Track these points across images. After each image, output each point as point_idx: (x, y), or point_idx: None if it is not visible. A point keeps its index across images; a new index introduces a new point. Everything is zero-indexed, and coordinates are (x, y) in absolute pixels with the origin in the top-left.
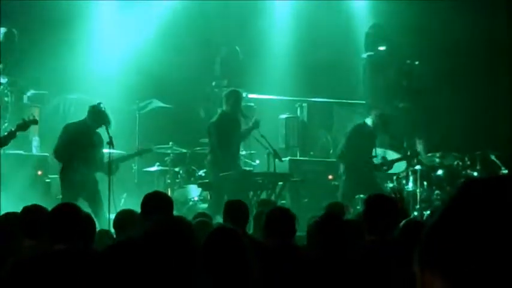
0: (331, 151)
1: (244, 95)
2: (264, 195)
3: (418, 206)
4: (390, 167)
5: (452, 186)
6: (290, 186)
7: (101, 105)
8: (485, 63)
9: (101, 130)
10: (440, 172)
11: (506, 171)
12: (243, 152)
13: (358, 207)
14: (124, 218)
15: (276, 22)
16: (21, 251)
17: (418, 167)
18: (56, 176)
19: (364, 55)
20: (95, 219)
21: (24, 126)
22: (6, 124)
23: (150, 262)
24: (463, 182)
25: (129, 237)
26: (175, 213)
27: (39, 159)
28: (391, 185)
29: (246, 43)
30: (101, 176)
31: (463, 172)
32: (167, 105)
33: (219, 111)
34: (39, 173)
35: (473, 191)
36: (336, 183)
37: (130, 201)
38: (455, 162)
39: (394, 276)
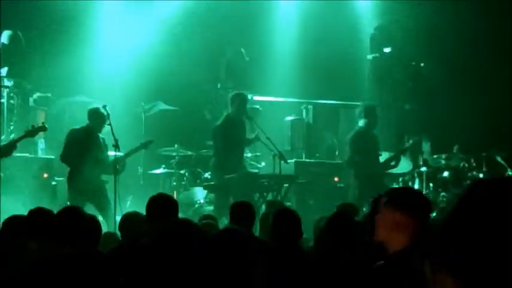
0: (336, 153)
1: (249, 97)
2: (269, 197)
3: None
4: (397, 161)
5: (458, 188)
6: (296, 188)
7: (100, 107)
8: (492, 64)
9: (107, 133)
10: (446, 174)
11: None
12: (249, 154)
13: (364, 209)
14: (130, 220)
15: (281, 24)
16: (27, 253)
17: (423, 168)
18: (62, 178)
19: (370, 57)
20: (103, 222)
21: (32, 132)
22: (12, 127)
23: (157, 264)
24: (470, 183)
25: (135, 239)
26: (180, 215)
27: (45, 161)
28: (396, 186)
29: (252, 45)
30: (106, 179)
31: (469, 174)
32: (172, 108)
33: (224, 113)
34: (45, 175)
35: (480, 193)
36: (342, 185)
37: (136, 203)
38: (461, 164)
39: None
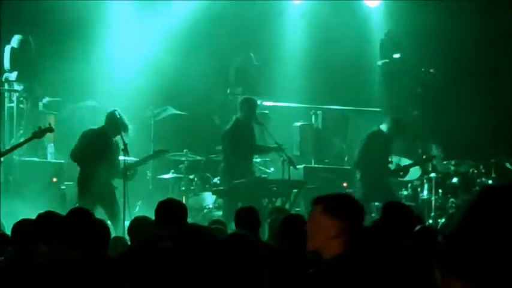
0: (345, 159)
1: (258, 102)
2: (278, 203)
3: (433, 214)
4: (406, 173)
5: (467, 194)
6: (304, 194)
7: (116, 112)
8: (501, 70)
9: (117, 137)
10: (455, 180)
11: None
12: (258, 160)
13: (372, 214)
14: (138, 225)
15: (290, 29)
16: (36, 257)
17: (433, 174)
18: (71, 182)
19: (379, 62)
20: (112, 226)
21: (40, 133)
22: (21, 131)
23: (165, 269)
24: (481, 189)
25: (144, 244)
26: (189, 220)
27: (54, 166)
28: (405, 192)
29: (261, 50)
30: (116, 184)
31: (478, 180)
32: (182, 113)
33: (234, 118)
34: (54, 180)
35: (491, 199)
36: (351, 190)
37: (145, 208)
38: (471, 170)
39: (405, 281)
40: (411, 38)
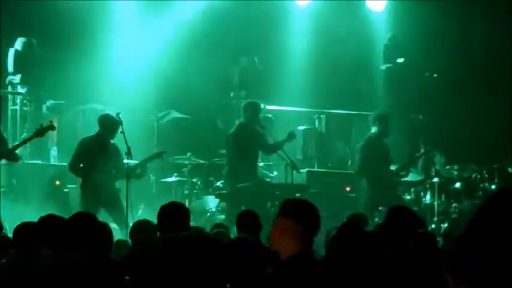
0: (349, 163)
1: (262, 106)
2: None
3: (435, 219)
4: (407, 171)
5: (470, 199)
6: (308, 198)
7: (107, 113)
8: (506, 76)
9: (120, 140)
10: (458, 185)
11: None
12: (261, 163)
13: (376, 219)
14: (140, 228)
15: (294, 33)
16: (38, 260)
17: (435, 179)
18: (74, 185)
19: (383, 67)
20: (116, 229)
21: (41, 132)
22: (24, 134)
23: (168, 273)
24: (490, 193)
25: (147, 247)
26: (192, 224)
27: (57, 169)
28: (408, 197)
29: (265, 54)
30: (119, 187)
31: (481, 185)
32: (185, 116)
33: (237, 122)
34: (57, 182)
35: (500, 203)
36: (354, 194)
37: (148, 211)
38: (474, 175)
39: (407, 284)
40: (415, 42)
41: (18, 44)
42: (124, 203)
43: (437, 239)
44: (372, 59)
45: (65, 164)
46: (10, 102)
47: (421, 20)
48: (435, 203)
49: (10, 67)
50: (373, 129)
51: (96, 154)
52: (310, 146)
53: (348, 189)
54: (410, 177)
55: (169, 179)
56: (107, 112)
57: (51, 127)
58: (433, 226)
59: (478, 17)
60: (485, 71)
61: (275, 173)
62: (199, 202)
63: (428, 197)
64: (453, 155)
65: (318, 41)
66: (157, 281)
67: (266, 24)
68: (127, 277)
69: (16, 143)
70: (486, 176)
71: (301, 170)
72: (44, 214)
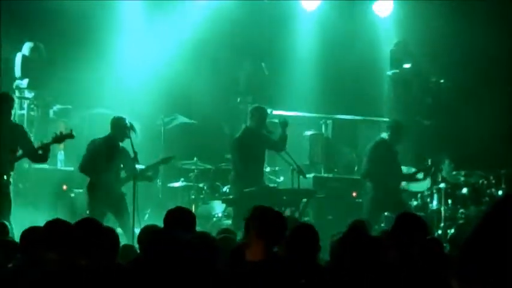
0: (355, 168)
1: (269, 111)
2: (288, 212)
3: (442, 224)
4: (426, 175)
5: (476, 205)
6: (314, 203)
7: (120, 116)
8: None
9: (127, 145)
10: (465, 190)
11: None
12: (267, 169)
13: (382, 224)
14: (150, 233)
15: (301, 38)
16: (44, 265)
17: (442, 185)
18: (81, 190)
19: (389, 72)
20: (122, 234)
21: (60, 138)
22: (32, 138)
23: (173, 278)
24: (497, 199)
25: (154, 252)
26: (198, 229)
27: (64, 173)
28: (415, 202)
29: (271, 59)
30: (126, 191)
31: (488, 191)
32: (192, 121)
33: (243, 127)
34: (64, 187)
35: (506, 209)
36: (360, 200)
37: (155, 216)
38: (480, 181)
39: None
40: (421, 47)
41: (26, 48)
42: (130, 207)
43: (444, 244)
44: (378, 64)
45: (72, 168)
46: (17, 107)
47: (427, 25)
48: (442, 208)
49: (17, 72)
50: (384, 135)
51: (105, 156)
52: (317, 151)
53: (354, 194)
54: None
55: (176, 184)
56: (120, 115)
57: (70, 135)
58: (440, 232)
59: (485, 22)
60: (491, 76)
61: (281, 178)
62: (205, 207)
63: (435, 202)
64: (460, 160)
65: (325, 46)
66: (164, 285)
67: (273, 29)
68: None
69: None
70: (493, 181)
71: (307, 175)
72: (51, 219)
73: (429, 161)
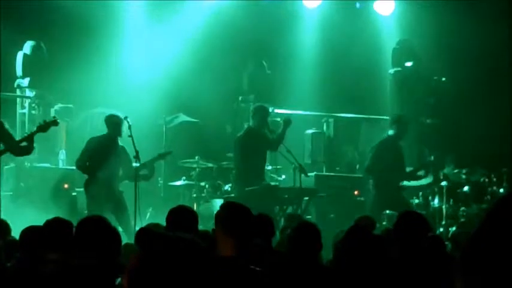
0: (357, 167)
1: (270, 110)
2: (289, 210)
3: (443, 222)
4: (426, 172)
5: (478, 203)
6: (316, 202)
7: (112, 113)
8: None
9: (129, 144)
10: (466, 188)
11: None
12: (269, 167)
13: (384, 223)
14: (145, 234)
15: (303, 37)
16: (44, 264)
17: (444, 183)
18: (82, 189)
19: (391, 71)
20: (123, 232)
21: (45, 127)
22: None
23: (175, 278)
24: (499, 197)
25: (154, 251)
26: (200, 227)
27: (65, 172)
28: (417, 201)
29: (273, 58)
30: (127, 189)
31: (489, 189)
32: (194, 120)
33: (246, 126)
34: (66, 186)
35: (508, 207)
36: (362, 198)
37: (156, 215)
38: (482, 179)
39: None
40: (423, 46)
41: (27, 47)
42: (131, 206)
43: (446, 243)
44: (380, 63)
45: (74, 167)
46: (19, 106)
47: (429, 24)
48: (443, 206)
49: (19, 71)
50: (390, 132)
51: (102, 154)
52: (319, 150)
53: (356, 193)
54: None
55: (178, 183)
56: (113, 112)
57: (55, 122)
58: (441, 230)
59: (487, 20)
60: (494, 74)
61: (283, 176)
62: (207, 206)
63: (436, 200)
64: (462, 158)
65: (326, 45)
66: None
67: (274, 29)
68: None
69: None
70: (495, 179)
71: (309, 174)
72: (52, 218)
73: (432, 158)
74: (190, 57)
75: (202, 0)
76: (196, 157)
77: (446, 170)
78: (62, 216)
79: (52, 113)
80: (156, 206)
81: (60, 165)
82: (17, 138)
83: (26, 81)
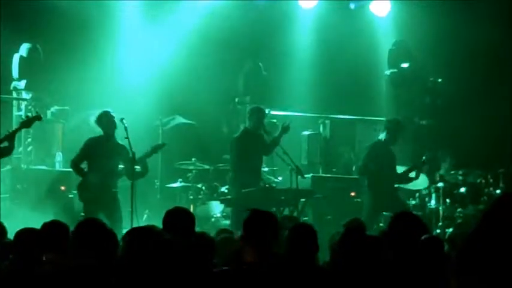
0: (353, 168)
1: (267, 111)
2: (286, 212)
3: (440, 223)
4: (418, 174)
5: (475, 204)
6: (312, 203)
7: (104, 111)
8: (510, 80)
9: (124, 145)
10: (463, 189)
11: None
12: (266, 169)
13: (381, 224)
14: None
15: (298, 38)
16: (40, 265)
17: (440, 184)
18: None
19: (387, 72)
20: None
21: (27, 122)
22: (29, 139)
23: (173, 278)
24: (495, 198)
25: (150, 252)
26: (197, 229)
27: (62, 174)
28: (413, 202)
29: (269, 59)
30: (124, 191)
31: (486, 190)
32: (190, 122)
33: (242, 127)
34: (62, 188)
35: (505, 208)
36: (359, 199)
37: (153, 217)
38: (479, 180)
39: None
40: (420, 47)
41: (23, 49)
42: (128, 208)
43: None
44: (376, 63)
45: (70, 169)
46: (15, 108)
47: (425, 24)
48: (440, 207)
49: (15, 73)
50: (382, 135)
51: (97, 153)
52: (315, 151)
53: (353, 194)
54: (417, 181)
55: (174, 185)
56: (104, 109)
57: (38, 117)
58: (438, 231)
59: (484, 21)
60: (490, 75)
61: (280, 178)
62: (204, 207)
63: (433, 201)
64: (458, 159)
65: (323, 46)
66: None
67: (270, 30)
68: None
69: (21, 149)
70: (491, 180)
71: (305, 175)
72: (48, 220)
73: (423, 158)
74: (186, 58)
75: (197, 0)
76: (193, 159)
77: (442, 171)
78: (59, 218)
79: (48, 115)
80: (153, 207)
81: (57, 167)
82: (16, 140)
83: (22, 84)
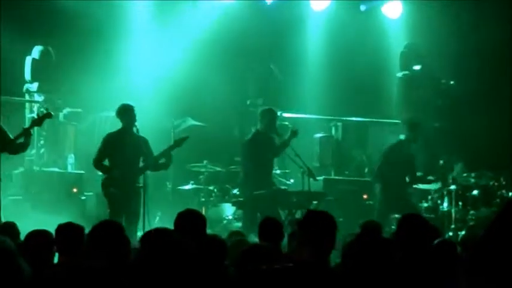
0: (366, 170)
1: (278, 113)
2: (298, 214)
3: (453, 226)
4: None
5: (487, 207)
6: (324, 206)
7: (124, 104)
8: None
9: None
10: (475, 192)
11: None
12: (278, 171)
13: (393, 226)
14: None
15: (310, 41)
16: (53, 267)
17: (453, 186)
18: (91, 193)
19: (399, 74)
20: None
21: (38, 121)
22: (42, 142)
23: (185, 280)
24: (508, 200)
25: (161, 254)
26: (209, 231)
27: (74, 176)
28: (425, 204)
29: (281, 61)
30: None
31: (499, 192)
32: (202, 124)
33: (253, 129)
34: (75, 190)
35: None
36: (371, 202)
37: (165, 219)
38: (491, 182)
39: None
40: (431, 49)
41: (36, 52)
42: (140, 210)
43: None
44: (388, 66)
45: (82, 171)
46: (27, 111)
47: (437, 27)
48: (452, 210)
49: (27, 75)
50: (402, 136)
51: (118, 148)
52: (327, 153)
53: (365, 196)
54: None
55: (186, 187)
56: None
57: (48, 115)
58: (451, 234)
59: (495, 23)
60: (502, 77)
61: (292, 180)
62: (215, 210)
63: (445, 204)
64: (470, 162)
65: (334, 49)
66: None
67: (282, 32)
68: None
69: (33, 151)
70: (503, 183)
71: (317, 178)
72: (61, 221)
73: (441, 162)
74: (198, 60)
75: (208, 1)
76: (205, 161)
77: (455, 174)
78: (71, 220)
79: (61, 118)
80: (165, 210)
81: (69, 170)
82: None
83: (34, 86)
